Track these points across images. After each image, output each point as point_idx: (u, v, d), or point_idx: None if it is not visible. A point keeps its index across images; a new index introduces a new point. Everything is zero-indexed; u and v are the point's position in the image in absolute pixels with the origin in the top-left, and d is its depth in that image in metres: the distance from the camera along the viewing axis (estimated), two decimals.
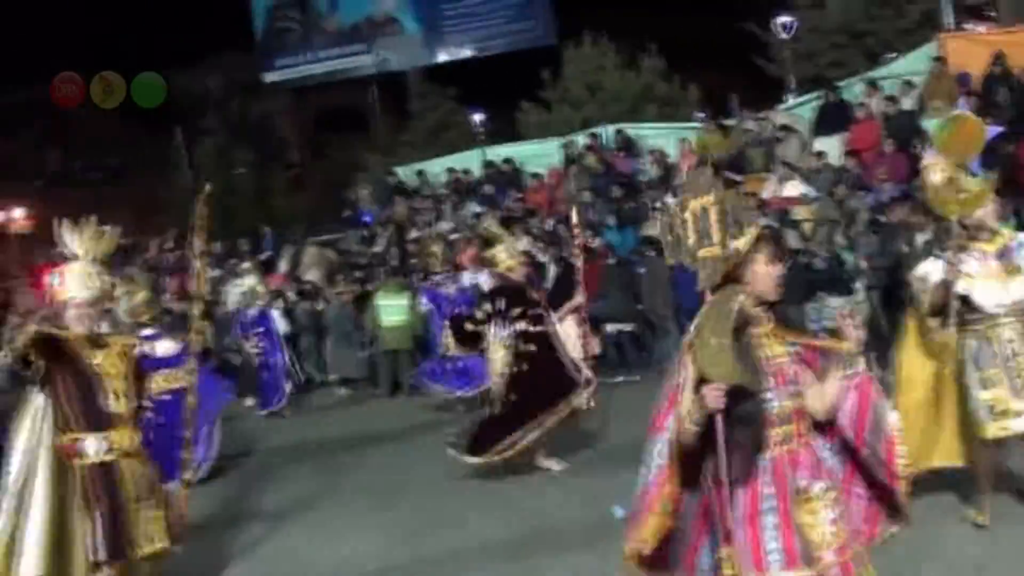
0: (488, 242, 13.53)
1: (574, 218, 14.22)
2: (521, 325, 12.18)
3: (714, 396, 5.10)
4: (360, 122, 54.03)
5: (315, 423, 18.53)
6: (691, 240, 5.58)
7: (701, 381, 5.17)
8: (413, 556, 9.64)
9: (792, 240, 19.70)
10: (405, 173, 31.95)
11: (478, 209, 26.98)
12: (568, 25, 37.50)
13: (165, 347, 13.43)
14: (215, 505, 12.46)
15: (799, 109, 25.16)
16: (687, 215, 5.51)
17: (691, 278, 16.24)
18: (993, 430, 8.56)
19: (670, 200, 19.80)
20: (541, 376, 12.01)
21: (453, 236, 25.15)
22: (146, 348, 13.11)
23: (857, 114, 22.82)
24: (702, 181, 5.59)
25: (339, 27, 42.04)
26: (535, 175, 27.41)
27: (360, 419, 18.24)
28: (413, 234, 27.22)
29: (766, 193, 22.15)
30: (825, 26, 30.75)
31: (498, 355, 12.19)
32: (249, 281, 23.12)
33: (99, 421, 7.76)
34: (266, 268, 27.20)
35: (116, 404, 7.83)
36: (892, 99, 22.52)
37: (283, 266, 27.81)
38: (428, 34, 41.07)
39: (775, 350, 5.45)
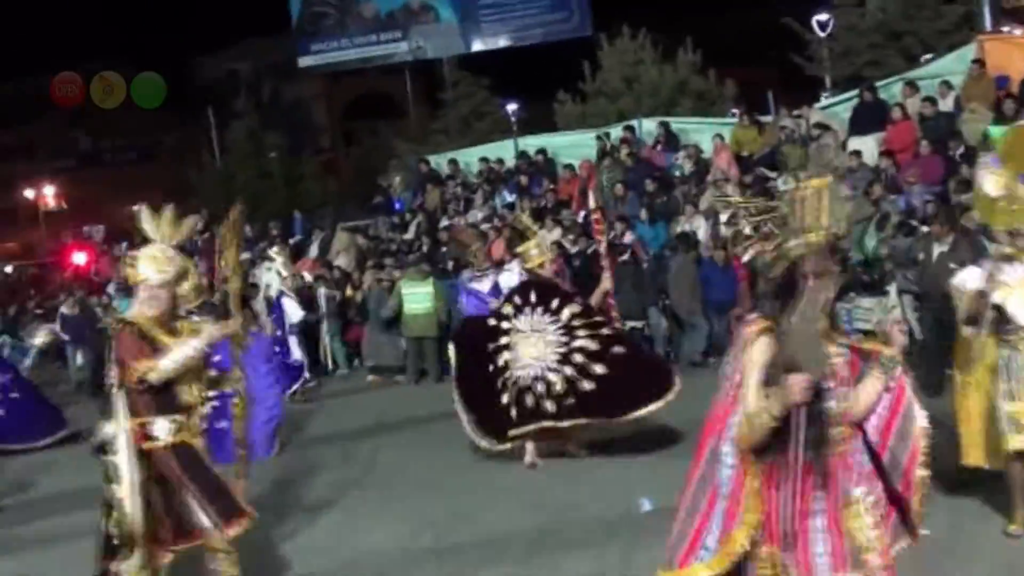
0: (521, 234, 13.50)
1: (592, 204, 14.33)
2: (575, 320, 12.20)
3: (802, 387, 4.90)
4: (393, 109, 54.14)
5: (339, 411, 18.50)
6: (807, 220, 5.17)
7: (783, 372, 4.96)
8: (436, 546, 9.62)
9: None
10: (437, 161, 31.93)
11: (510, 199, 26.97)
12: (604, 17, 37.46)
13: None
14: None
15: (835, 108, 25.00)
16: (807, 192, 5.20)
17: (719, 274, 16.28)
18: (1014, 442, 8.49)
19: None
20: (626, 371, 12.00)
21: (484, 226, 25.15)
22: None
23: (894, 114, 22.68)
24: (828, 157, 5.41)
25: (375, 13, 41.97)
26: (568, 166, 27.34)
27: (385, 406, 18.18)
28: (444, 222, 27.23)
29: None
30: (863, 25, 30.56)
31: (531, 345, 12.14)
32: (277, 265, 23.20)
33: (169, 405, 7.78)
34: (296, 253, 27.24)
35: (187, 390, 7.87)
36: (930, 100, 22.37)
37: (313, 251, 27.83)
38: (464, 23, 40.97)
39: (831, 350, 5.25)
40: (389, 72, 52.15)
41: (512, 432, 11.96)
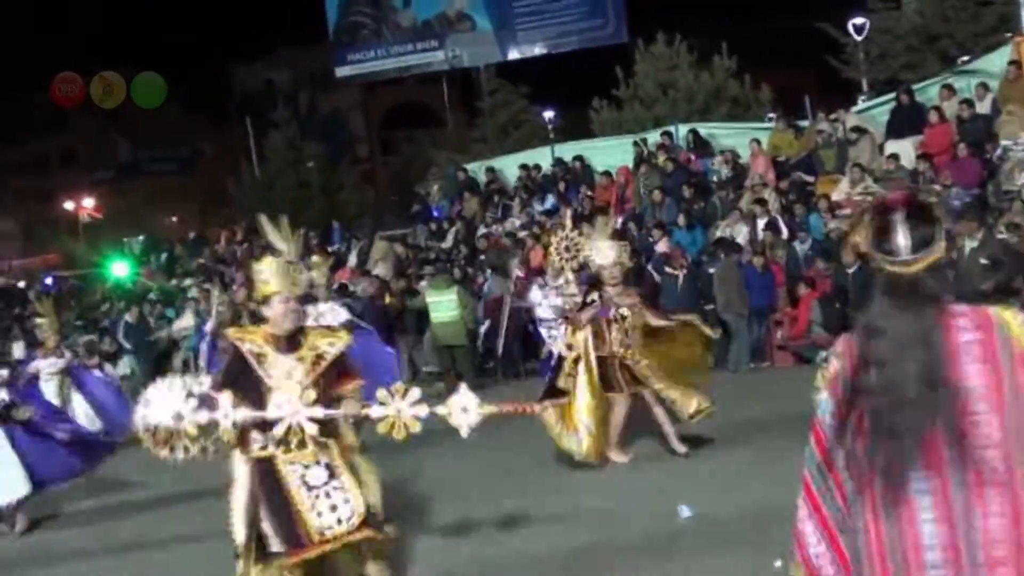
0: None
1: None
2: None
3: None
4: (430, 118, 54.28)
5: None
6: None
7: None
8: (476, 555, 9.60)
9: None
10: (474, 169, 32.03)
11: (547, 206, 27.03)
12: (640, 23, 37.48)
13: None
14: None
15: (872, 111, 24.96)
16: None
17: (758, 278, 16.30)
18: None
19: None
20: None
21: (522, 233, 25.24)
22: None
23: (931, 117, 22.63)
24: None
25: (412, 23, 42.16)
26: (605, 173, 27.39)
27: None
28: (482, 230, 27.33)
29: (837, 195, 22.03)
30: (899, 28, 30.49)
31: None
32: (315, 274, 23.27)
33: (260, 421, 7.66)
34: (335, 262, 27.38)
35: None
36: (967, 102, 22.31)
37: (352, 260, 27.99)
38: (500, 31, 41.08)
39: None
40: (426, 81, 52.33)
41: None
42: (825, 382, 4.52)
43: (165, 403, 7.33)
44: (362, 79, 47.48)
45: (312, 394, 7.43)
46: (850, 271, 18.60)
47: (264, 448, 7.52)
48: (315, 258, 24.36)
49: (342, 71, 43.89)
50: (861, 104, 26.45)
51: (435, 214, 31.01)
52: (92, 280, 38.52)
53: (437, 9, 41.78)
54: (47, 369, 16.61)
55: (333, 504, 7.47)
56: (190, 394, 7.34)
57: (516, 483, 11.77)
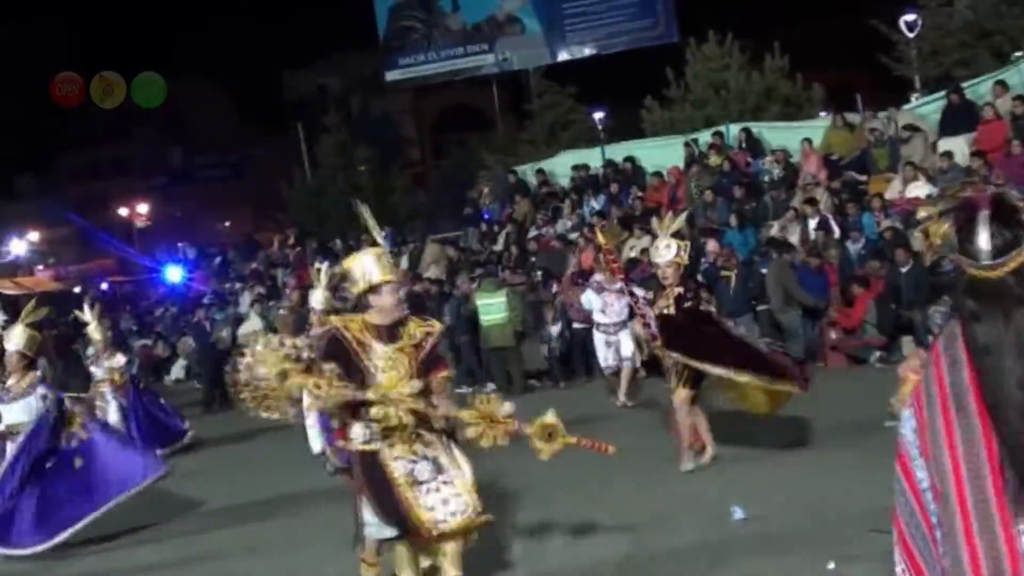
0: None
1: (600, 238, 14.38)
2: None
3: None
4: (480, 121, 54.30)
5: None
6: None
7: None
8: (525, 563, 9.56)
9: (916, 242, 19.47)
10: (525, 171, 32.05)
11: (598, 207, 27.00)
12: (691, 23, 37.37)
13: None
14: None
15: (924, 109, 24.79)
16: None
17: (811, 278, 16.23)
18: None
19: None
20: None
21: (573, 235, 25.24)
22: None
23: (984, 114, 22.46)
24: None
25: (461, 26, 42.23)
26: (656, 173, 27.33)
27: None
28: (532, 232, 27.33)
29: (890, 194, 21.90)
30: (951, 25, 30.28)
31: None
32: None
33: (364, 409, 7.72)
34: None
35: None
36: (1020, 99, 22.11)
37: (404, 264, 28.05)
38: (550, 33, 41.04)
39: None
40: (476, 84, 52.40)
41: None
42: (907, 397, 4.32)
43: (273, 361, 7.50)
44: (412, 83, 47.58)
45: (418, 384, 7.54)
46: (903, 270, 18.50)
47: (368, 443, 7.59)
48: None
49: (392, 75, 43.99)
50: (913, 102, 26.29)
51: (486, 217, 31.07)
52: (146, 285, 38.84)
53: (486, 12, 41.81)
54: (101, 375, 16.79)
55: (444, 498, 7.56)
56: (299, 357, 7.50)
57: (568, 489, 11.72)
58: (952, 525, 4.00)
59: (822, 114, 29.41)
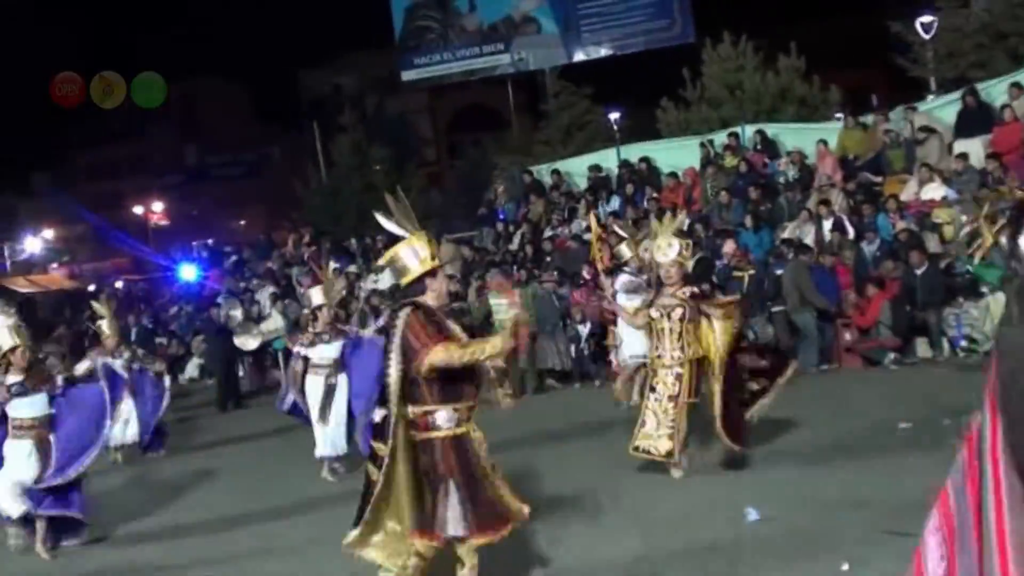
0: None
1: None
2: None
3: None
4: (496, 121, 54.37)
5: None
6: None
7: None
8: (540, 560, 9.58)
9: (931, 244, 19.48)
10: (540, 171, 32.07)
11: (614, 207, 27.03)
12: (706, 24, 37.37)
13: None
14: None
15: (940, 110, 24.75)
16: None
17: (825, 280, 16.18)
18: None
19: None
20: None
21: (587, 236, 25.26)
22: None
23: (1000, 116, 22.45)
24: None
25: (477, 26, 42.24)
26: (672, 174, 27.34)
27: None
28: (548, 232, 27.36)
29: (906, 195, 21.90)
30: (968, 27, 30.23)
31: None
32: (386, 277, 23.43)
33: (452, 395, 7.88)
34: None
35: (468, 381, 7.99)
36: None
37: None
38: (566, 34, 41.04)
39: None
40: (492, 84, 52.42)
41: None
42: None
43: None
44: (428, 83, 47.53)
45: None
46: (918, 272, 18.49)
47: (457, 425, 7.81)
48: (381, 261, 24.65)
49: (408, 75, 44.00)
50: (929, 103, 26.26)
51: (501, 216, 31.08)
52: (161, 284, 38.91)
53: (502, 12, 41.81)
54: (102, 368, 16.87)
55: (504, 492, 8.02)
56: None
57: (582, 488, 11.74)
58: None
59: (838, 115, 29.37)
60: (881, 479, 10.74)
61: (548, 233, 27.39)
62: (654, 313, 11.84)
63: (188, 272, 35.78)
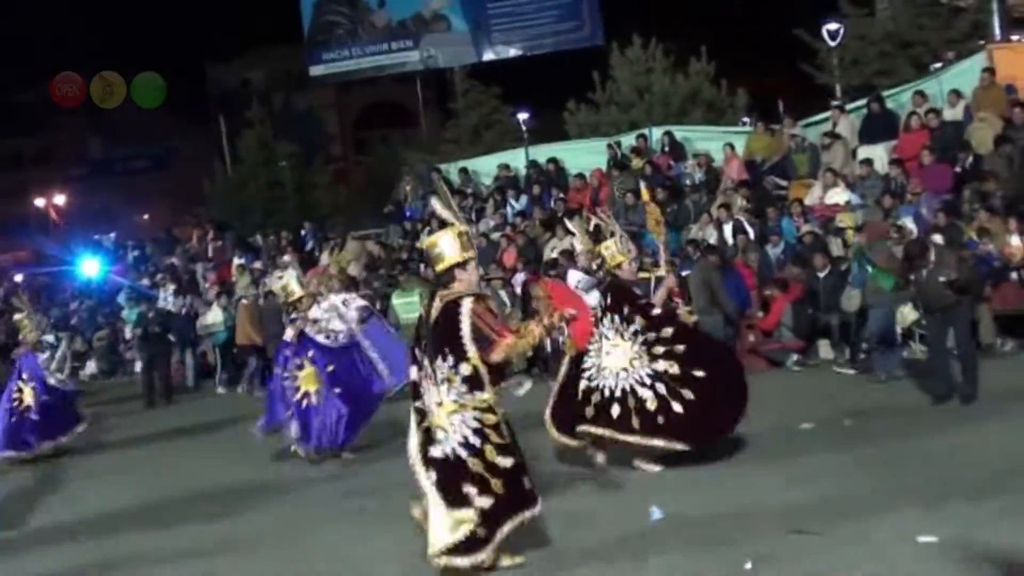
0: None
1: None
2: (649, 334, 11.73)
3: None
4: (404, 118, 54.29)
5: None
6: None
7: None
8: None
9: (835, 247, 19.66)
10: (448, 170, 31.95)
11: (521, 207, 27.03)
12: (616, 27, 37.47)
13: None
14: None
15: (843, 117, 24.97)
16: None
17: (731, 280, 16.21)
18: None
19: None
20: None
21: (495, 235, 25.24)
22: None
23: (904, 123, 22.73)
24: None
25: (387, 23, 41.98)
26: (579, 175, 27.37)
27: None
28: None
29: (810, 199, 22.10)
30: (873, 34, 30.63)
31: (619, 357, 11.81)
32: (289, 275, 23.23)
33: (500, 377, 8.54)
34: (307, 262, 27.35)
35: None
36: (936, 111, 22.40)
37: (324, 260, 27.91)
38: (475, 32, 40.93)
39: None
40: (401, 81, 52.26)
41: (583, 429, 11.84)
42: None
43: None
44: (336, 79, 47.23)
45: None
46: (821, 275, 18.65)
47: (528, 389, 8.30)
48: (286, 258, 24.56)
49: (316, 70, 43.67)
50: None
51: (408, 214, 30.94)
52: (62, 278, 38.34)
53: (412, 9, 41.62)
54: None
55: None
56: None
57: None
58: None
59: (745, 120, 29.59)
60: (783, 479, 10.81)
61: None
62: None
63: (90, 267, 35.28)
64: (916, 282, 13.70)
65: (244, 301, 24.02)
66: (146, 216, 67.41)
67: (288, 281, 15.15)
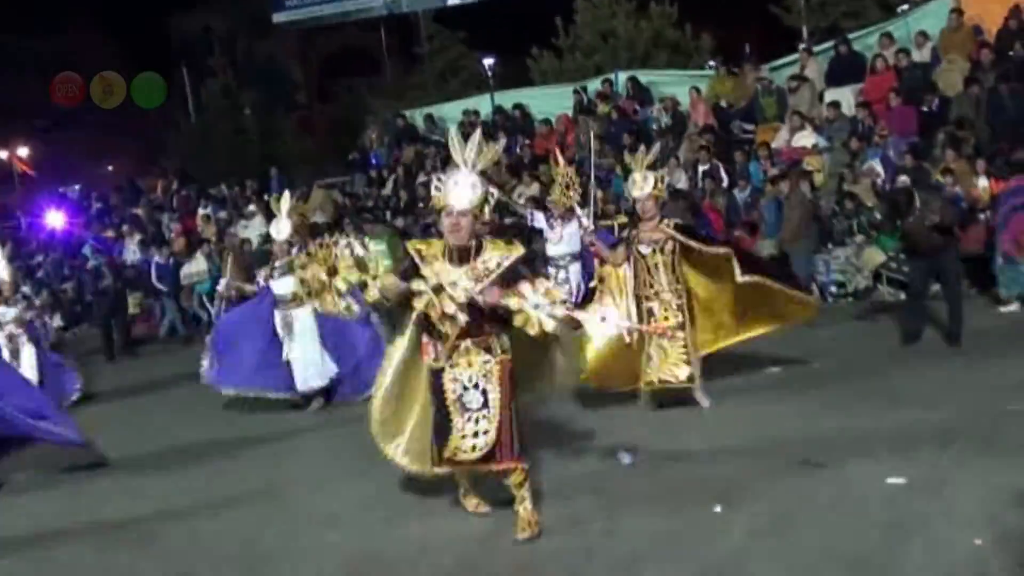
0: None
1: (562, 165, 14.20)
2: None
3: None
4: (369, 65, 53.82)
5: None
6: None
7: None
8: (413, 490, 9.44)
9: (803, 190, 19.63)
10: (413, 116, 31.76)
11: None
12: None
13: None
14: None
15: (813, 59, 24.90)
16: None
17: (705, 225, 16.06)
18: None
19: None
20: None
21: None
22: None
23: (871, 65, 22.66)
24: None
25: None
26: (545, 121, 27.24)
27: None
28: (421, 178, 27.12)
29: (777, 143, 22.04)
30: None
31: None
32: (255, 222, 23.08)
33: (431, 332, 8.15)
34: (272, 211, 27.17)
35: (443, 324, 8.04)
36: (906, 51, 22.33)
37: (284, 206, 27.70)
38: None
39: None
40: (365, 27, 51.80)
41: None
42: None
43: (323, 258, 7.99)
44: (300, 25, 46.74)
45: (468, 283, 7.84)
46: None
47: (436, 360, 8.07)
48: (252, 208, 24.36)
49: (279, 17, 43.19)
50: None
51: (373, 162, 30.76)
52: (27, 231, 38.02)
53: None
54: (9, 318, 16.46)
55: (476, 431, 8.05)
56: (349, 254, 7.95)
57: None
58: None
59: (711, 63, 29.46)
60: (752, 422, 10.78)
61: (421, 179, 27.15)
62: (644, 249, 11.53)
63: (54, 219, 34.98)
64: (903, 229, 13.74)
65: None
66: (111, 167, 66.86)
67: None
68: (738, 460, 9.38)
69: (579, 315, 7.95)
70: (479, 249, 7.97)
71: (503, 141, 26.57)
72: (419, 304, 7.86)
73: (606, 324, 7.97)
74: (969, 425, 9.60)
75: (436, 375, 8.08)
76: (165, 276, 25.13)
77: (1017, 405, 10.07)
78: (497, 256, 7.94)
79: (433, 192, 8.03)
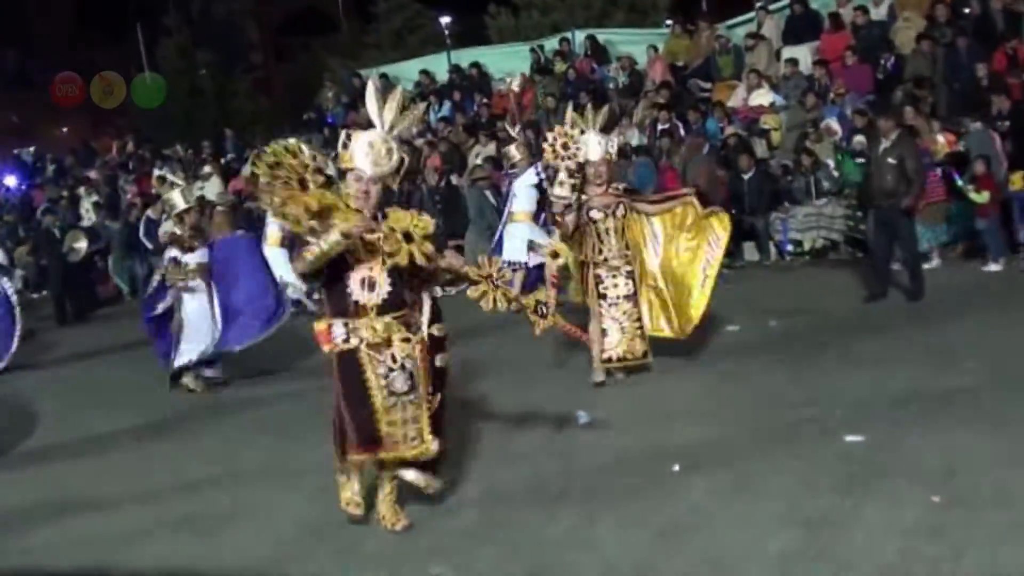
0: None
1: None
2: None
3: None
4: (325, 24, 53.56)
5: None
6: None
7: None
8: None
9: (759, 149, 19.67)
10: (370, 76, 31.57)
11: (444, 114, 26.80)
12: None
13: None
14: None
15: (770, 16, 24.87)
16: None
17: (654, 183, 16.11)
18: None
19: None
20: None
21: (418, 141, 24.99)
22: None
23: (827, 23, 22.66)
24: None
25: None
26: (502, 80, 27.16)
27: None
28: None
29: (734, 101, 22.06)
30: None
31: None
32: (211, 184, 22.88)
33: (340, 308, 7.37)
34: (228, 171, 27.03)
35: (361, 292, 7.30)
36: (862, 8, 22.31)
37: (246, 170, 27.56)
38: None
39: None
40: None
41: None
42: None
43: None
44: None
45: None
46: (746, 177, 18.68)
47: (347, 341, 7.35)
48: (207, 169, 24.15)
49: None
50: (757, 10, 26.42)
51: (330, 121, 30.60)
52: None
53: None
54: None
55: (405, 419, 7.43)
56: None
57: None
58: None
59: (668, 22, 29.42)
60: (709, 381, 10.83)
61: None
62: (595, 214, 11.31)
63: (9, 181, 34.78)
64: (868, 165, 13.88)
65: (219, 208, 23.07)
66: (64, 129, 66.36)
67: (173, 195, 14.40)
68: (696, 422, 9.42)
69: (524, 300, 7.75)
70: (384, 217, 7.30)
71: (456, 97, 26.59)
72: (387, 246, 7.08)
73: (543, 319, 7.88)
74: (928, 385, 9.65)
75: (350, 356, 7.38)
76: (153, 232, 24.92)
77: (974, 363, 10.14)
78: (405, 223, 7.24)
79: (340, 148, 7.37)
